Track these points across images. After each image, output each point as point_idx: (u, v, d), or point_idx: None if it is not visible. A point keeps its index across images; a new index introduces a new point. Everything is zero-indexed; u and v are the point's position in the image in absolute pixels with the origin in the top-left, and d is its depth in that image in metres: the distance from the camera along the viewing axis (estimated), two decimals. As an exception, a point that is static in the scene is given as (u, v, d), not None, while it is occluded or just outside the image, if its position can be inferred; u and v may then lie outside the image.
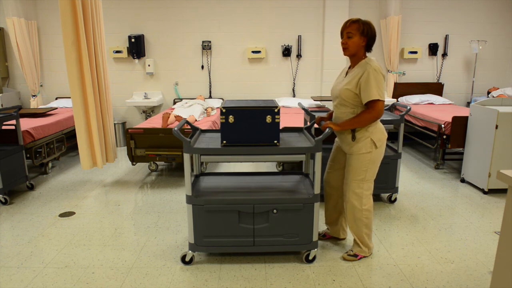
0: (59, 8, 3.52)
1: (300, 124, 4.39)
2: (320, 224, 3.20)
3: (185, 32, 6.10)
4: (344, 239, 2.91)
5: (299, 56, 6.17)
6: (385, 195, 3.81)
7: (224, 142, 2.34)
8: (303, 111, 5.23)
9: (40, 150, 4.45)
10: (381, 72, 2.33)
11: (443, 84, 6.32)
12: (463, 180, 4.23)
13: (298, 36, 6.09)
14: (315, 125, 3.77)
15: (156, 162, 4.61)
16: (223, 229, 2.49)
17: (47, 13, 6.04)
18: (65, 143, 5.00)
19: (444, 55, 6.30)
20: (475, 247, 2.81)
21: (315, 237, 2.54)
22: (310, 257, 2.59)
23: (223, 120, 2.30)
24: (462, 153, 4.45)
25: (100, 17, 3.99)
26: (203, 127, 4.41)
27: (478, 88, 6.42)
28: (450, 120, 4.33)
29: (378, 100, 2.32)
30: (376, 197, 3.79)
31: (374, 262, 2.61)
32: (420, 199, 3.77)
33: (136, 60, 6.12)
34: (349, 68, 2.51)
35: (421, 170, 4.71)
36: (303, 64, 6.23)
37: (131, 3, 5.98)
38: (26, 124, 4.37)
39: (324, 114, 2.91)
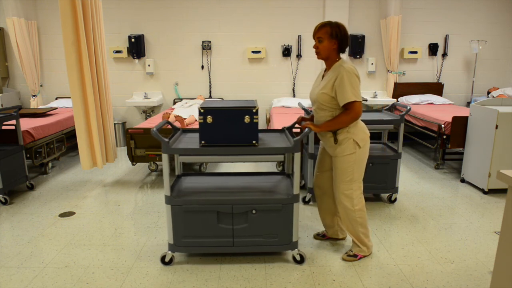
0: (59, 8, 3.52)
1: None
2: (319, 225, 3.20)
3: (185, 32, 6.10)
4: (343, 238, 2.91)
5: (299, 56, 6.17)
6: (385, 195, 3.81)
7: (203, 142, 2.35)
8: (303, 111, 5.23)
9: (40, 150, 4.45)
10: (355, 73, 2.35)
11: (443, 84, 6.32)
12: (463, 180, 4.23)
13: (298, 36, 6.09)
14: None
15: (156, 162, 4.61)
16: (202, 230, 2.49)
17: (47, 13, 6.04)
18: (65, 143, 5.00)
19: (444, 55, 6.30)
20: (475, 247, 2.81)
21: (295, 238, 2.53)
22: (297, 258, 2.58)
23: (202, 120, 2.31)
24: (462, 153, 4.45)
25: (100, 17, 3.99)
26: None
27: (478, 88, 6.42)
28: (450, 120, 4.33)
29: (355, 101, 2.33)
30: (376, 197, 3.79)
31: (374, 262, 2.61)
32: (420, 199, 3.77)
33: (136, 60, 6.12)
34: (325, 71, 2.53)
35: (421, 170, 4.71)
36: (303, 64, 6.22)
37: (131, 3, 5.98)
38: (26, 124, 4.37)
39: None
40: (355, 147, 2.44)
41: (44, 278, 2.44)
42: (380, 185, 3.54)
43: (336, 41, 2.37)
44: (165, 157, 2.34)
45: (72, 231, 3.10)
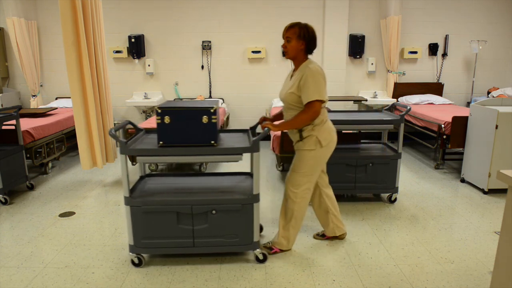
0: (59, 8, 3.52)
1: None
2: (319, 225, 3.20)
3: (185, 32, 6.10)
4: (343, 236, 2.91)
5: (299, 56, 6.16)
6: (385, 195, 3.81)
7: (161, 142, 2.35)
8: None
9: (40, 150, 4.45)
10: (320, 73, 2.38)
11: (443, 84, 6.32)
12: (463, 180, 4.23)
13: (298, 36, 6.08)
14: None
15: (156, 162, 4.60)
16: (162, 230, 2.48)
17: (47, 13, 6.04)
18: (65, 143, 5.00)
19: (444, 55, 6.30)
20: (475, 247, 2.81)
21: (256, 238, 2.54)
22: (260, 257, 2.59)
23: (159, 121, 2.31)
24: (462, 153, 4.45)
25: (100, 17, 3.99)
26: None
27: (478, 88, 6.42)
28: (450, 120, 4.33)
29: (316, 100, 2.36)
30: (376, 197, 3.79)
31: (374, 262, 2.61)
32: (420, 199, 3.77)
33: (136, 60, 6.12)
34: (294, 71, 2.56)
35: (421, 170, 4.71)
36: (303, 64, 6.21)
37: (131, 3, 5.98)
38: (26, 124, 4.37)
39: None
40: (316, 145, 2.48)
41: (44, 278, 2.44)
42: (380, 185, 3.54)
43: (304, 42, 2.42)
44: (122, 158, 2.34)
45: (72, 231, 3.10)
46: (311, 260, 2.64)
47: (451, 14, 6.16)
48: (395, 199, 3.66)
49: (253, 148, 2.36)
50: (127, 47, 6.07)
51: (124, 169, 2.37)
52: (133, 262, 2.56)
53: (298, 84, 2.41)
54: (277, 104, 5.87)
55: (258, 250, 2.57)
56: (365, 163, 3.48)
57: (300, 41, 2.41)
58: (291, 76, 2.56)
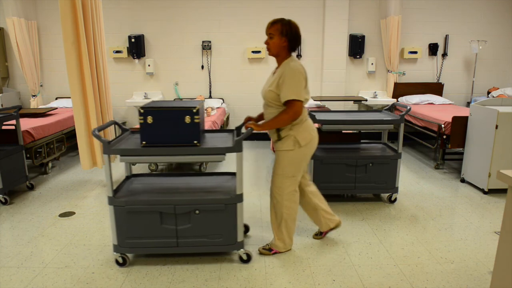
0: (59, 8, 3.52)
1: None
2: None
3: (185, 32, 6.10)
4: (338, 225, 2.88)
5: (299, 56, 6.16)
6: (385, 195, 3.81)
7: (144, 142, 2.36)
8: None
9: (40, 150, 4.45)
10: (300, 72, 2.36)
11: (443, 84, 6.32)
12: (463, 180, 4.23)
13: (298, 36, 6.08)
14: None
15: (156, 162, 4.60)
16: (145, 230, 2.49)
17: (47, 13, 6.04)
18: (65, 143, 5.00)
19: (444, 55, 6.30)
20: (475, 247, 2.81)
21: (240, 238, 2.54)
22: (244, 258, 2.59)
23: (142, 121, 2.32)
24: (462, 153, 4.45)
25: (100, 17, 3.99)
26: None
27: (478, 88, 6.42)
28: (450, 120, 4.33)
29: (295, 100, 2.34)
30: (376, 197, 3.79)
31: (374, 262, 2.61)
32: (420, 199, 3.77)
33: (136, 60, 6.12)
34: (276, 69, 2.54)
35: (421, 170, 4.71)
36: (303, 64, 6.18)
37: (131, 3, 5.98)
38: (26, 124, 4.37)
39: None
40: (294, 145, 2.46)
41: (44, 278, 2.44)
42: (380, 185, 3.54)
43: (286, 39, 2.40)
44: (106, 158, 2.35)
45: (72, 231, 3.10)
46: (311, 260, 2.64)
47: (451, 14, 6.16)
48: (395, 199, 3.66)
49: (236, 148, 2.37)
50: (127, 47, 6.07)
51: (108, 169, 2.37)
52: (117, 262, 2.56)
53: (277, 82, 2.39)
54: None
55: (242, 250, 2.58)
56: (365, 163, 3.48)
57: (283, 38, 2.39)
58: (274, 73, 2.54)
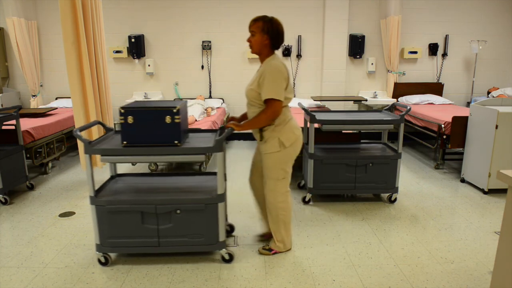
0: (59, 8, 3.52)
1: (300, 124, 4.39)
2: (319, 225, 3.20)
3: (185, 32, 6.10)
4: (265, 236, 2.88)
5: (299, 56, 6.17)
6: (385, 195, 3.81)
7: (125, 142, 2.36)
8: (303, 111, 5.23)
9: (40, 150, 4.45)
10: (280, 70, 2.33)
11: (443, 84, 6.32)
12: (463, 180, 4.23)
13: (298, 36, 6.09)
14: None
15: (156, 162, 4.60)
16: (127, 230, 2.49)
17: (47, 13, 6.04)
18: (65, 143, 5.00)
19: (444, 55, 6.30)
20: (475, 247, 2.81)
21: (221, 238, 2.54)
22: (226, 257, 2.59)
23: (123, 121, 2.33)
24: (462, 153, 4.45)
25: (100, 17, 3.99)
26: (203, 127, 4.41)
27: (478, 88, 6.42)
28: (450, 120, 4.33)
29: (273, 99, 2.33)
30: (376, 197, 3.79)
31: (374, 262, 2.61)
32: (420, 199, 3.77)
33: (136, 60, 6.12)
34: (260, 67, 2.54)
35: (421, 170, 4.71)
36: (303, 64, 6.22)
37: (131, 3, 5.98)
38: (26, 124, 4.37)
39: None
40: (279, 146, 2.45)
41: (44, 278, 2.44)
42: (380, 185, 3.54)
43: (268, 37, 2.37)
44: (87, 157, 2.36)
45: (72, 231, 3.10)
46: (311, 260, 2.64)
47: (451, 14, 6.16)
48: (395, 199, 3.66)
49: (216, 148, 2.37)
50: (127, 47, 6.07)
51: (89, 169, 2.39)
52: (99, 261, 2.57)
53: (258, 81, 2.37)
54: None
55: (224, 250, 2.58)
56: (365, 163, 3.48)
57: (264, 35, 2.37)
58: (258, 71, 2.54)
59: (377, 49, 6.24)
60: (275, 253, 2.70)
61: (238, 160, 5.18)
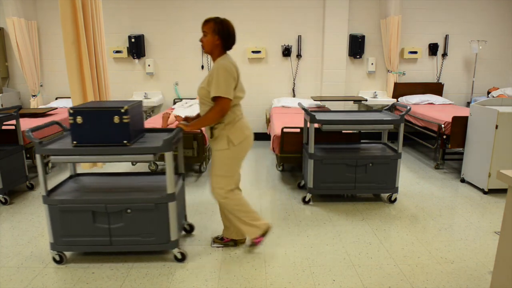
0: (59, 8, 3.52)
1: (300, 124, 4.39)
2: (319, 225, 3.20)
3: (185, 32, 6.10)
4: (242, 241, 2.85)
5: (299, 56, 6.17)
6: (385, 195, 3.81)
7: (75, 142, 2.38)
8: (303, 111, 5.23)
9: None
10: (228, 69, 2.37)
11: (443, 84, 6.32)
12: (463, 180, 4.23)
13: (298, 36, 6.09)
14: None
15: (156, 162, 4.60)
16: (79, 229, 2.51)
17: (47, 13, 6.04)
18: (65, 143, 5.00)
19: (444, 55, 6.30)
20: (475, 247, 2.81)
21: (173, 237, 2.55)
22: (178, 256, 2.61)
23: (72, 121, 2.35)
24: (462, 153, 4.46)
25: (100, 17, 3.99)
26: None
27: (478, 88, 6.42)
28: (450, 120, 4.33)
29: (221, 97, 2.36)
30: (376, 197, 3.79)
31: (374, 262, 2.61)
32: (420, 199, 3.77)
33: (136, 60, 6.12)
34: None
35: (421, 170, 4.71)
36: (303, 64, 6.22)
37: (131, 3, 5.98)
38: (26, 124, 4.37)
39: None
40: (228, 144, 2.49)
41: (44, 278, 2.44)
42: (380, 185, 3.54)
43: (219, 37, 2.42)
44: (38, 157, 2.39)
45: (72, 231, 3.09)
46: (311, 260, 2.64)
47: (451, 14, 6.16)
48: (395, 199, 3.66)
49: (164, 148, 2.38)
50: (127, 47, 6.07)
51: (41, 168, 2.41)
52: (54, 260, 2.59)
53: (208, 79, 2.42)
54: (277, 104, 5.87)
55: (176, 249, 2.59)
56: (365, 163, 3.48)
57: (215, 36, 2.41)
58: None
59: (377, 49, 6.24)
60: (259, 241, 2.73)
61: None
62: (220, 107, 2.39)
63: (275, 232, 3.05)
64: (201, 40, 2.47)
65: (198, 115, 2.77)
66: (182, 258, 2.62)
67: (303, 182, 4.01)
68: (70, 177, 2.92)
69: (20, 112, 4.91)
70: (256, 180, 4.36)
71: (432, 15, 6.15)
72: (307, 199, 3.63)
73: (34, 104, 5.98)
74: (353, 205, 3.60)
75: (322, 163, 3.47)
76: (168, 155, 2.42)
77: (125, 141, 2.38)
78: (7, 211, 3.51)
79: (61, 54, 6.15)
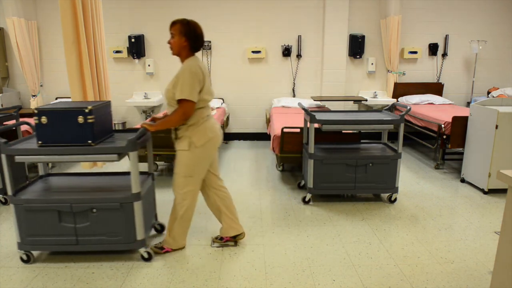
0: (59, 8, 3.52)
1: (300, 124, 4.40)
2: (319, 225, 3.20)
3: (185, 32, 6.09)
4: (240, 237, 2.85)
5: (299, 56, 6.17)
6: (385, 195, 3.81)
7: (40, 142, 2.40)
8: (303, 111, 5.23)
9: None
10: (194, 71, 2.36)
11: (443, 84, 6.33)
12: (463, 180, 4.23)
13: (298, 36, 6.09)
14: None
15: (156, 162, 4.60)
16: (45, 228, 2.53)
17: (47, 13, 6.04)
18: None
19: (444, 55, 6.30)
20: (475, 247, 2.81)
21: (139, 236, 2.56)
22: (145, 256, 2.61)
23: (37, 121, 2.37)
24: (462, 153, 4.46)
25: (100, 17, 3.99)
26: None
27: (478, 88, 6.42)
28: (450, 120, 4.33)
29: (185, 99, 2.36)
30: (376, 197, 3.79)
31: (374, 262, 2.61)
32: (420, 199, 3.77)
33: (136, 60, 6.12)
34: None
35: (421, 170, 4.71)
36: (303, 64, 6.22)
37: (131, 3, 5.99)
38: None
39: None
40: (190, 146, 2.48)
41: (44, 278, 2.44)
42: (380, 185, 3.54)
43: (186, 39, 2.42)
44: (3, 157, 2.42)
45: (72, 231, 3.09)
46: (311, 260, 2.64)
47: (451, 14, 6.16)
48: (395, 199, 3.66)
49: (128, 148, 2.40)
50: (127, 47, 6.07)
51: (7, 169, 2.43)
52: (21, 259, 2.60)
53: (174, 81, 2.42)
54: (277, 104, 5.87)
55: (142, 249, 2.60)
56: (365, 163, 3.48)
57: (183, 37, 2.41)
58: None
59: (377, 49, 6.24)
60: (167, 251, 2.72)
61: (237, 159, 5.18)
62: (183, 110, 2.38)
63: (275, 232, 3.05)
64: (169, 42, 2.46)
65: (165, 115, 2.75)
66: (149, 258, 2.62)
67: (303, 182, 4.01)
68: (40, 177, 2.93)
69: (20, 112, 4.90)
70: (256, 180, 4.36)
71: (432, 15, 6.15)
72: (307, 199, 3.63)
73: (34, 104, 5.98)
74: (353, 205, 3.60)
75: (322, 163, 3.47)
76: (133, 155, 2.43)
77: (89, 141, 2.40)
78: (7, 211, 3.51)
79: (61, 54, 6.15)
